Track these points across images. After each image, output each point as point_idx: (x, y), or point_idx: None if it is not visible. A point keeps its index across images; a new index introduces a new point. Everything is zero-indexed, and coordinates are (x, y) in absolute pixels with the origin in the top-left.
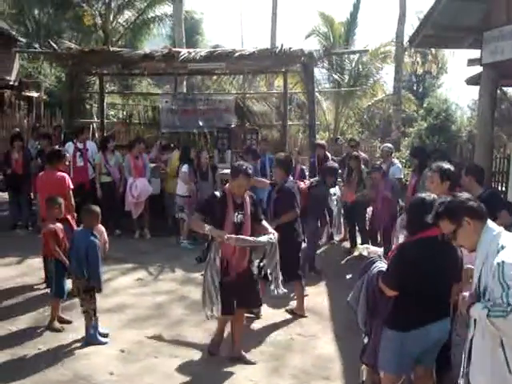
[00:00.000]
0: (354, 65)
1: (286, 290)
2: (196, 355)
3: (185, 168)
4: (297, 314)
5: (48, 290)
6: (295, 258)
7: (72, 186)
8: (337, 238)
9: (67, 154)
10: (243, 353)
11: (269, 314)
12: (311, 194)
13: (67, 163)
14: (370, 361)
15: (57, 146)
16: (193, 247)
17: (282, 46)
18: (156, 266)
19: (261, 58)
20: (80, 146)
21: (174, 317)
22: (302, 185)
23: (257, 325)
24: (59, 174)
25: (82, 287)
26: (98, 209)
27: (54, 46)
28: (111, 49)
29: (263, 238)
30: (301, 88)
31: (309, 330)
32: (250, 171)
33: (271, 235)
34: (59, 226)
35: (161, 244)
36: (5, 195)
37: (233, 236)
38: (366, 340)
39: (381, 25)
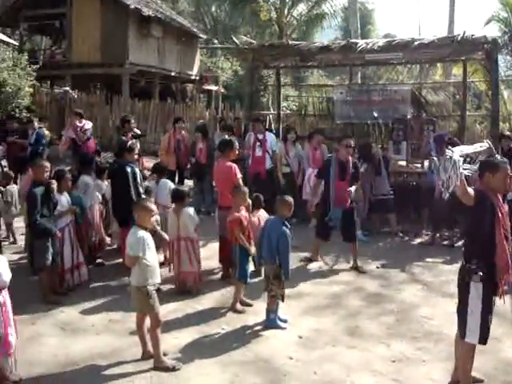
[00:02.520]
0: None
1: None
2: (373, 348)
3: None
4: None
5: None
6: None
7: (240, 175)
8: None
9: (236, 144)
10: (473, 373)
11: (445, 312)
12: None
13: (237, 152)
14: None
15: (226, 136)
16: (367, 239)
17: (464, 33)
18: (331, 255)
19: (441, 46)
20: (260, 136)
21: (351, 308)
22: None
23: (434, 322)
24: (228, 163)
25: (273, 273)
26: (291, 199)
27: (236, 41)
28: (290, 42)
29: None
30: (479, 76)
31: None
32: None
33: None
34: (244, 214)
35: (335, 235)
36: (190, 182)
37: None
38: None
39: None
